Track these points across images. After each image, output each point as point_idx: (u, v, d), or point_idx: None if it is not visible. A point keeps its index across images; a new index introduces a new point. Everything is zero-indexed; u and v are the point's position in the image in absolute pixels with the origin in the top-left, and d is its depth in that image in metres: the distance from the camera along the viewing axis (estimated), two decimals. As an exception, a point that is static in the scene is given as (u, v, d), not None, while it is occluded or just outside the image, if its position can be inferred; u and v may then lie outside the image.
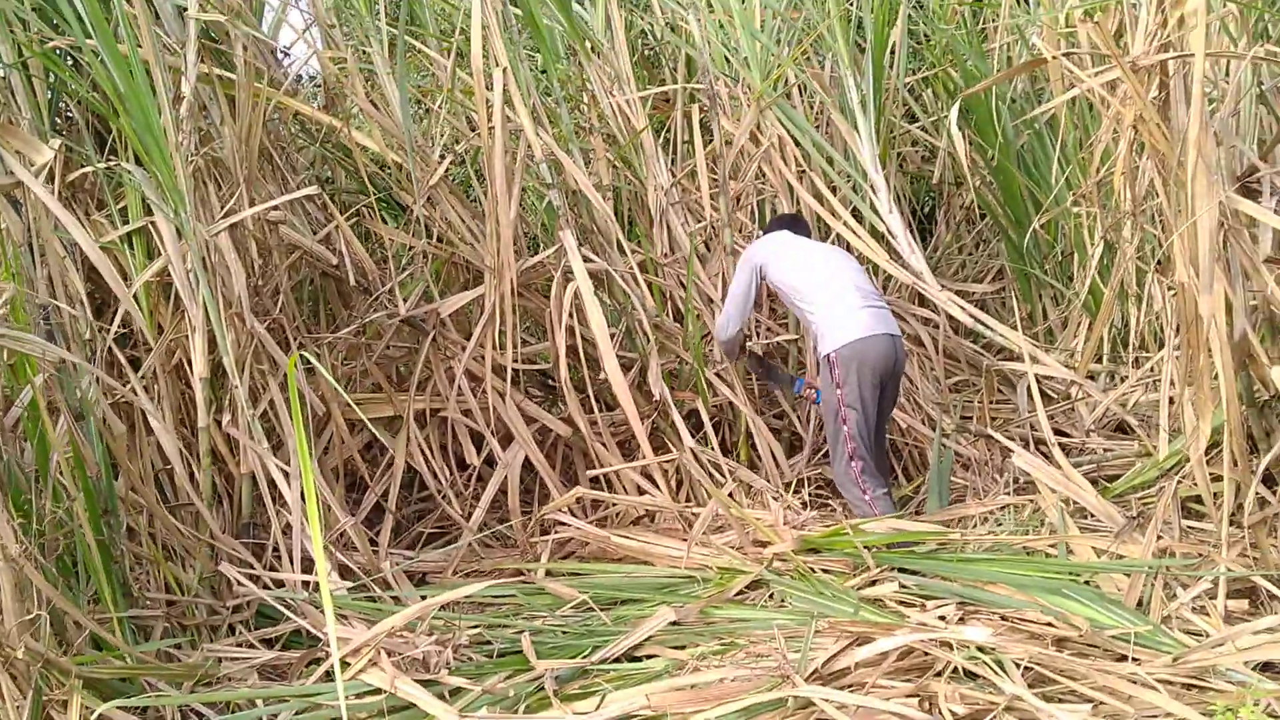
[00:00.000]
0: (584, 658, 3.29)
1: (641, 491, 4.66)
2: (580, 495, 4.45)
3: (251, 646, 3.61)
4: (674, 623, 3.47)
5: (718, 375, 5.08)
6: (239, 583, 3.70)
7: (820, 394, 4.43)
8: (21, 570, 2.86)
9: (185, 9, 4.04)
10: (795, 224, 4.86)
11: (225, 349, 3.83)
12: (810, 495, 4.78)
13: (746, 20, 5.69)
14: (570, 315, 4.56)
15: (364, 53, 5.30)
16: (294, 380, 2.56)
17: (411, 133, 4.82)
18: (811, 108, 6.06)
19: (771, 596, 3.74)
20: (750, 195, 5.70)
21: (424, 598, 3.94)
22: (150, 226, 3.94)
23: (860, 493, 4.18)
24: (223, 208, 4.02)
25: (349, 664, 3.16)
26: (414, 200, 4.81)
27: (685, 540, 4.12)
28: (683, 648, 3.35)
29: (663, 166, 5.69)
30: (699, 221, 5.68)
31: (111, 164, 3.98)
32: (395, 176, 5.27)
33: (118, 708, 2.95)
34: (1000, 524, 4.17)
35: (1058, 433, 4.72)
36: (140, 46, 3.75)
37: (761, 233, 4.99)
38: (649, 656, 3.34)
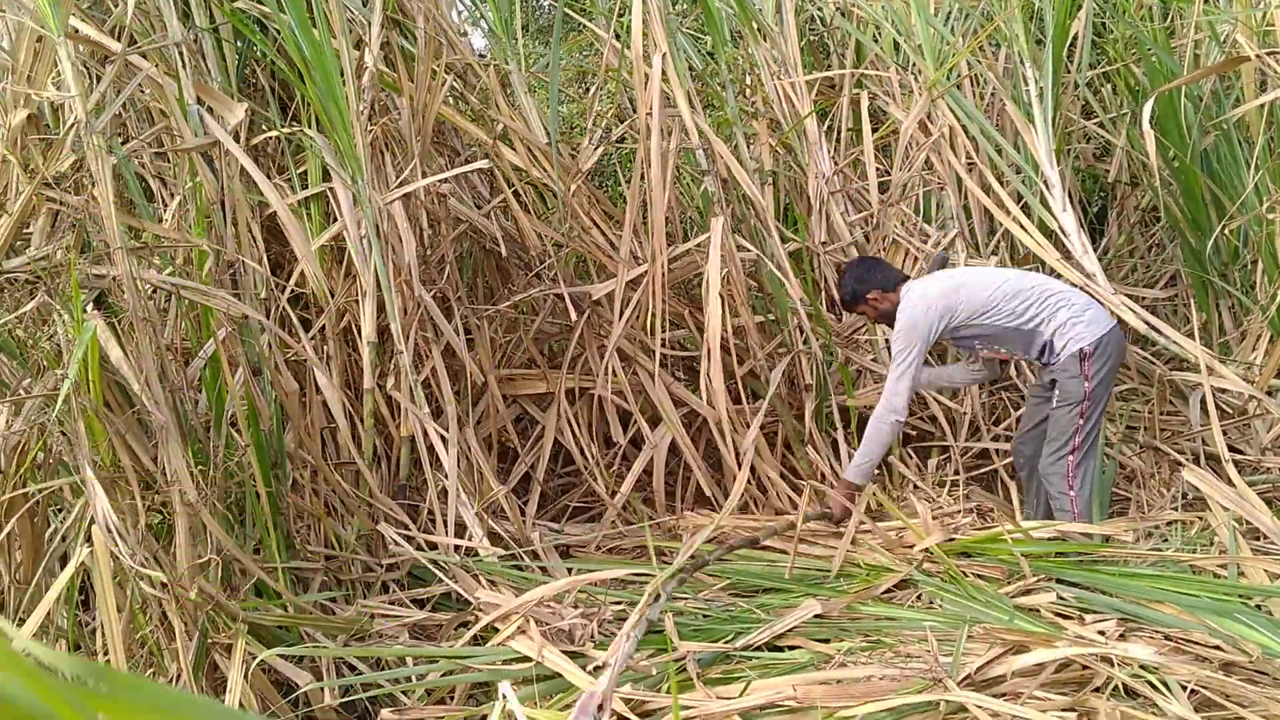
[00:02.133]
0: (726, 643, 3.28)
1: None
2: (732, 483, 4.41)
3: (403, 605, 3.70)
4: (819, 616, 3.42)
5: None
6: (395, 542, 3.80)
7: (1058, 390, 4.11)
8: (196, 515, 2.98)
9: (371, -19, 4.16)
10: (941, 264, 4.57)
11: (393, 314, 3.93)
12: (962, 495, 4.64)
13: (922, 6, 5.55)
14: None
15: (511, 54, 5.31)
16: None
17: (557, 147, 4.82)
18: (982, 99, 5.89)
19: (920, 598, 3.66)
20: (916, 186, 5.57)
21: (570, 570, 4.00)
22: (328, 192, 4.06)
23: (1068, 486, 4.04)
24: (397, 178, 4.12)
25: (497, 629, 3.22)
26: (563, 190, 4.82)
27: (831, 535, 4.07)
28: (827, 641, 3.30)
29: (825, 154, 5.62)
30: (860, 211, 5.58)
31: (294, 130, 4.11)
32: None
33: (279, 655, 3.06)
34: (1166, 540, 4.00)
35: (1231, 449, 4.50)
36: (328, 15, 3.86)
37: (882, 289, 4.30)
38: (792, 648, 3.30)
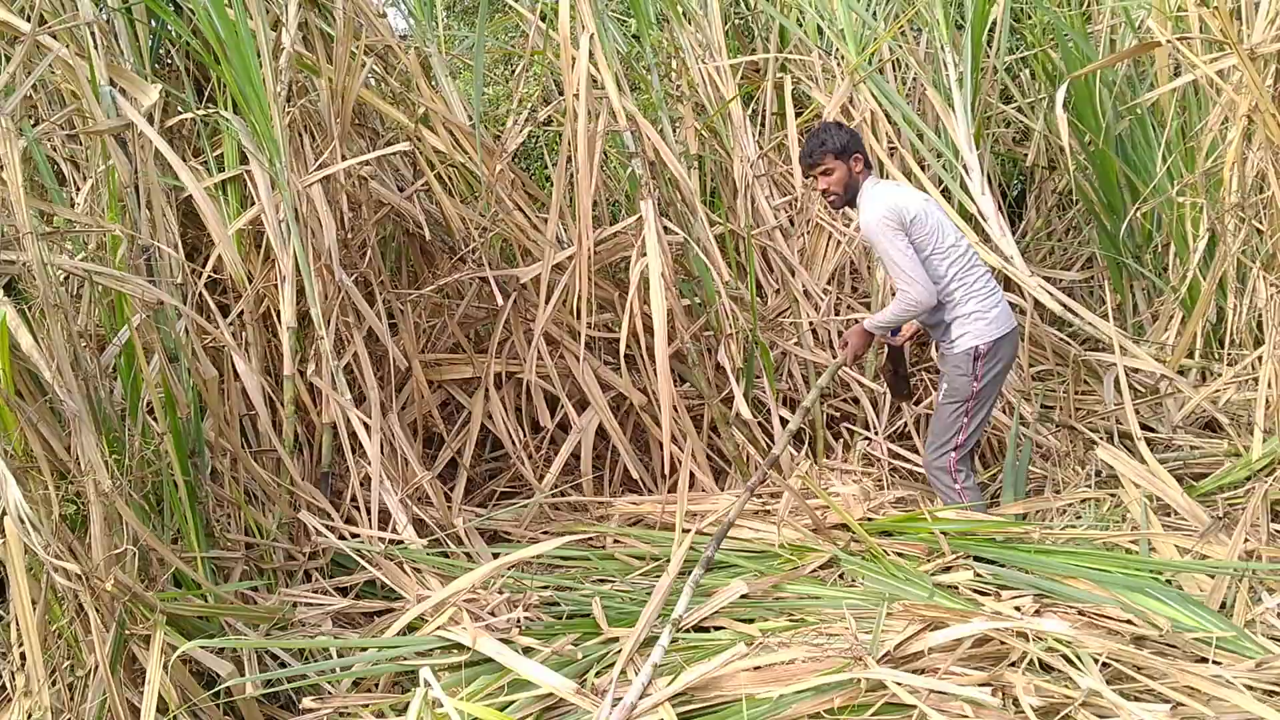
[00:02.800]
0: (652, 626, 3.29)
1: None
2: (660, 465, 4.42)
3: (326, 594, 3.67)
4: (744, 596, 3.45)
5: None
6: (318, 531, 3.76)
7: (944, 379, 4.10)
8: (112, 505, 2.92)
9: (288, -40, 4.08)
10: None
11: (313, 299, 3.88)
12: (886, 477, 4.71)
13: (844, -8, 5.60)
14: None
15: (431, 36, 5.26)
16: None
17: (481, 130, 4.77)
18: (904, 84, 5.96)
19: (842, 576, 3.71)
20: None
21: (496, 555, 3.99)
22: (245, 175, 3.99)
23: (951, 480, 4.06)
24: (316, 160, 4.06)
25: (425, 620, 3.20)
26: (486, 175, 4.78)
27: (757, 514, 4.11)
28: (752, 621, 3.34)
29: (750, 138, 5.64)
30: (785, 195, 5.62)
31: (209, 111, 4.03)
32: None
33: (199, 646, 3.01)
34: (1080, 518, 4.09)
35: (1144, 427, 4.62)
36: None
37: (839, 156, 4.04)
38: (718, 628, 3.33)
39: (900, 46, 5.79)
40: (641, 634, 3.12)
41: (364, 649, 3.29)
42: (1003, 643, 2.94)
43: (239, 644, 3.16)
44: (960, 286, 3.97)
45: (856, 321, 4.69)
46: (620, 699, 2.76)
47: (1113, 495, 4.19)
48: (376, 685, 3.19)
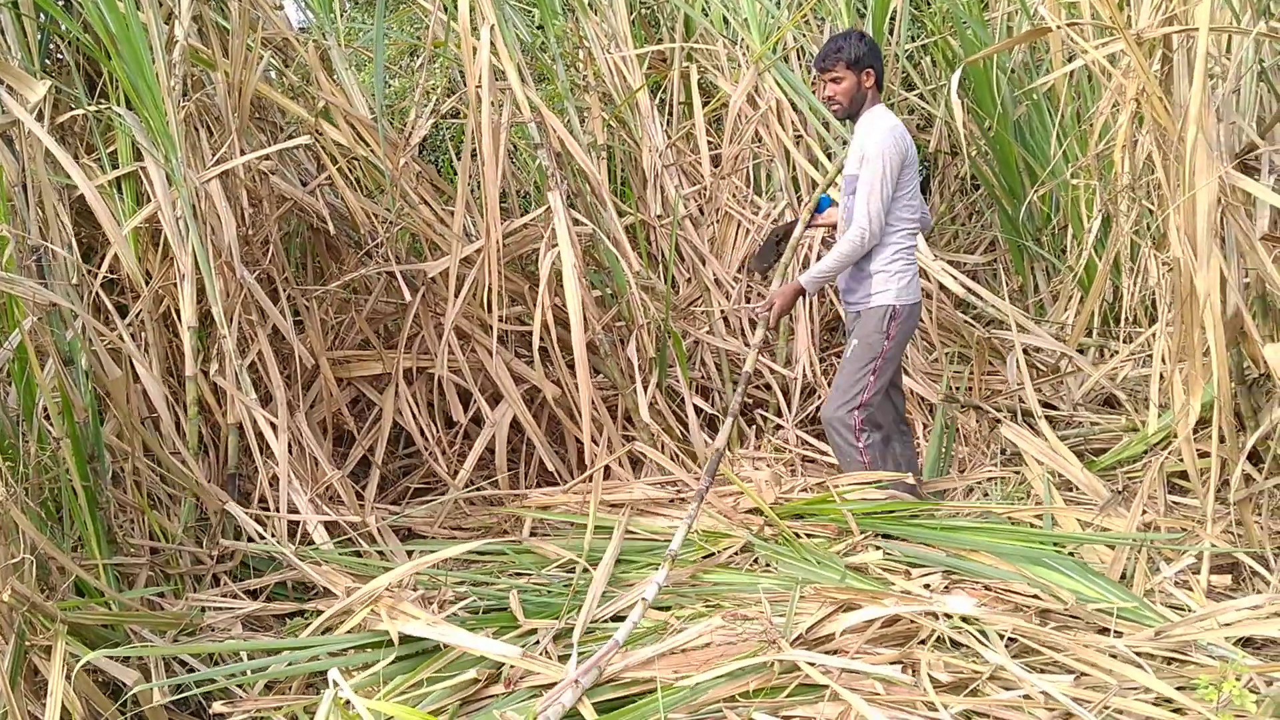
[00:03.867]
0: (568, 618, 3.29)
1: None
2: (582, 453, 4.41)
3: (236, 597, 3.60)
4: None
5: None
6: (223, 533, 3.69)
7: (854, 335, 4.09)
8: (7, 513, 2.83)
9: (179, -49, 3.98)
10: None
11: (214, 298, 3.79)
12: (798, 463, 4.77)
13: (747, -19, 5.64)
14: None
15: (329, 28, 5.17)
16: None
17: (383, 123, 4.71)
18: (809, 72, 6.02)
19: (756, 561, 3.75)
20: (746, 158, 5.66)
21: (410, 553, 3.96)
22: (140, 172, 3.89)
23: (854, 438, 4.02)
24: (214, 155, 3.97)
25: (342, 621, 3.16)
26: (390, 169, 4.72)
27: (672, 503, 4.13)
28: (668, 609, 3.36)
29: (658, 127, 5.65)
30: (694, 184, 5.64)
31: (102, 107, 3.92)
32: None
33: (103, 655, 2.94)
34: (988, 495, 4.19)
35: (1046, 405, 4.74)
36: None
37: (854, 68, 3.97)
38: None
39: (804, 35, 5.85)
40: (591, 608, 3.13)
41: (277, 651, 3.23)
42: (913, 622, 2.99)
43: (145, 651, 3.08)
44: (899, 243, 3.99)
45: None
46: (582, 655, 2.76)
47: (1017, 473, 4.30)
48: (290, 688, 3.14)
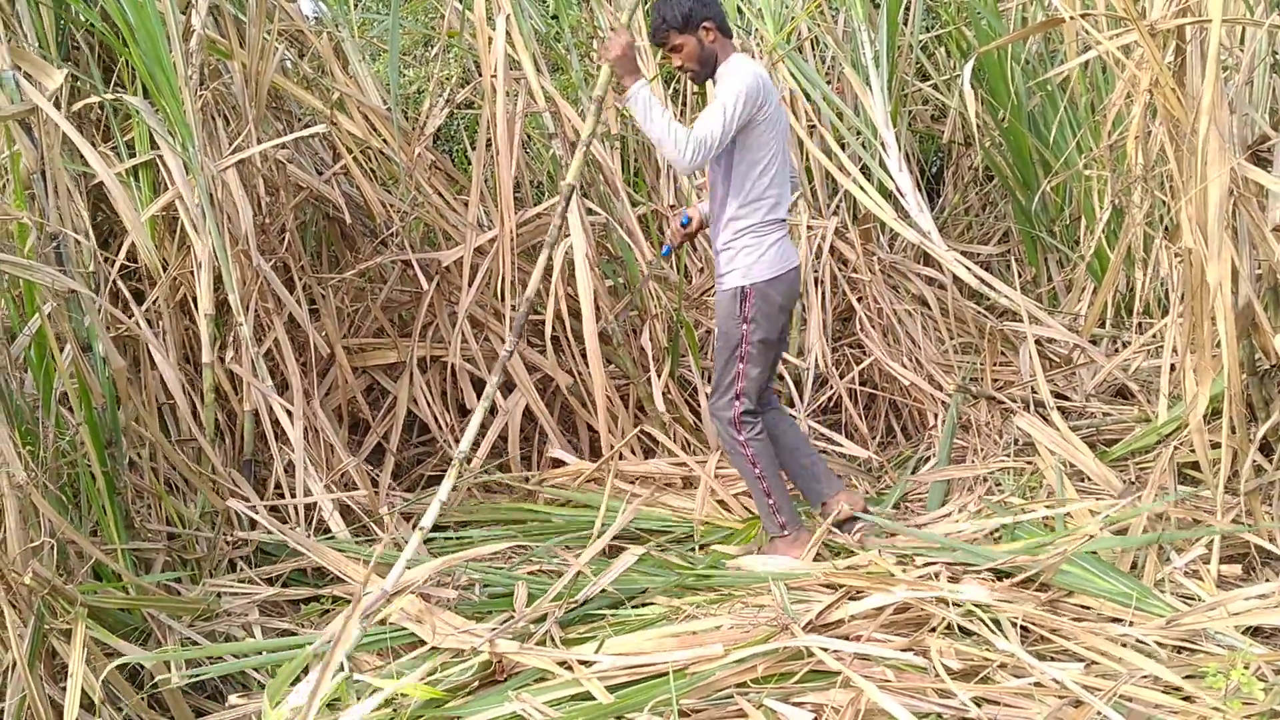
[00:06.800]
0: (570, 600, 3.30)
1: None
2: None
3: (252, 583, 3.64)
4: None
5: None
6: (240, 518, 3.72)
7: (717, 320, 3.79)
8: (27, 498, 2.87)
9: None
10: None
11: (230, 286, 3.82)
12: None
13: (761, -29, 5.63)
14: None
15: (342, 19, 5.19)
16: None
17: (397, 114, 4.72)
18: (823, 62, 6.02)
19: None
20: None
21: (427, 544, 3.98)
22: (157, 161, 3.92)
23: (735, 431, 3.71)
24: (231, 144, 4.00)
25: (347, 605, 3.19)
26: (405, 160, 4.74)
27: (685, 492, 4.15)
28: (681, 596, 3.38)
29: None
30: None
31: (119, 96, 3.95)
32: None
33: (123, 639, 2.98)
34: (1000, 485, 4.19)
35: (1058, 396, 4.73)
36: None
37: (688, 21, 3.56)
38: (647, 604, 3.37)
39: (818, 25, 5.85)
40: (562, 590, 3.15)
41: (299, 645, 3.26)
42: (923, 609, 3.01)
43: (165, 656, 3.08)
44: (744, 217, 3.61)
45: None
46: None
47: (1030, 463, 4.30)
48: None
